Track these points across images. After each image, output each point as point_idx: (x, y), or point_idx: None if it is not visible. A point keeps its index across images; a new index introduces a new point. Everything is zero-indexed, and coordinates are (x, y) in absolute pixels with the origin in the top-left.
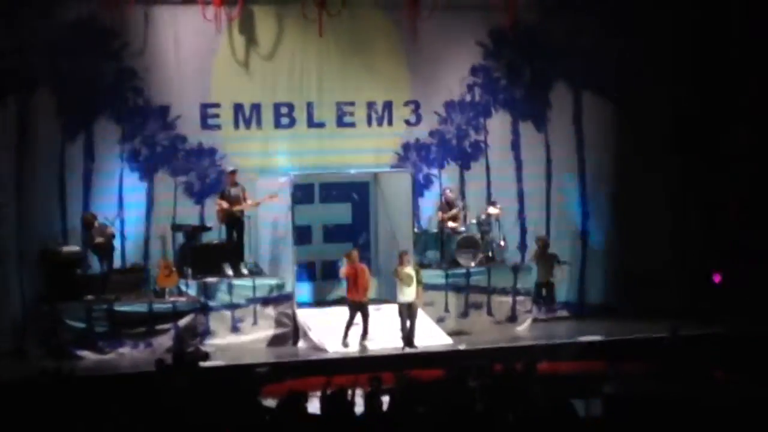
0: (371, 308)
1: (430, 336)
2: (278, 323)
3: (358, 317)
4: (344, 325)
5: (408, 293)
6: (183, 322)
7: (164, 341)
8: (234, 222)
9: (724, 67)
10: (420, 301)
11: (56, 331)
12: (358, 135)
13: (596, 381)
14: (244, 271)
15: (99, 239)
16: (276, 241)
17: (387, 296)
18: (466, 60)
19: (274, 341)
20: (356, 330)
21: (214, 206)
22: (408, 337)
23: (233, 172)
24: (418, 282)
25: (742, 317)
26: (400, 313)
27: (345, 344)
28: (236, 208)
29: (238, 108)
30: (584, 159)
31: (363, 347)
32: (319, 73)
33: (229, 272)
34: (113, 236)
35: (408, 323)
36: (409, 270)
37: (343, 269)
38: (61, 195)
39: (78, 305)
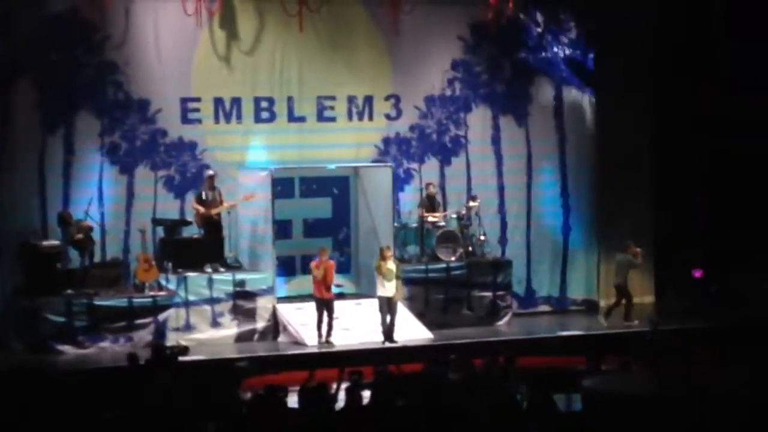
0: (352, 302)
1: (411, 330)
2: (258, 318)
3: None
4: (316, 323)
5: (388, 288)
6: (163, 316)
7: (144, 335)
8: (211, 225)
9: (706, 57)
10: (399, 296)
11: (36, 326)
12: (338, 129)
13: (576, 376)
14: (221, 269)
15: (78, 235)
16: (256, 236)
17: (367, 291)
18: (446, 54)
19: (254, 336)
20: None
21: (192, 206)
22: (388, 332)
23: (211, 177)
24: (397, 277)
25: (723, 311)
26: (380, 308)
27: (321, 342)
28: (213, 211)
29: (218, 102)
30: (565, 153)
31: (330, 344)
32: (299, 68)
33: (209, 270)
34: (91, 229)
35: (388, 318)
36: (391, 265)
37: (314, 263)
38: (41, 188)
39: (58, 299)
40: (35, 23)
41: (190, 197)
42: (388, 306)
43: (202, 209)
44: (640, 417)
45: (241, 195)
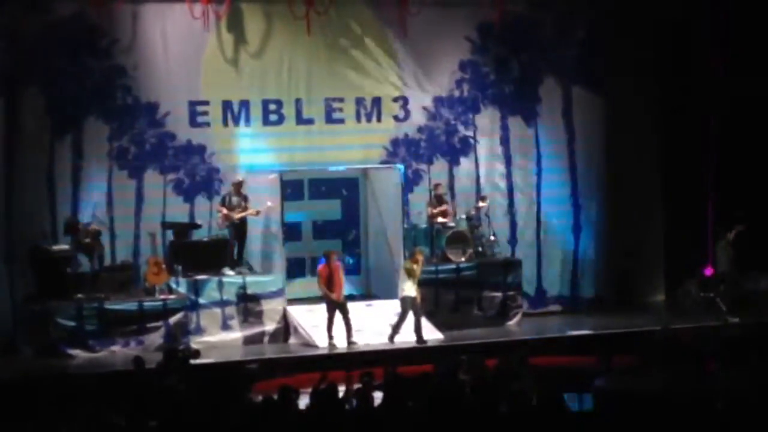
0: (362, 304)
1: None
2: (268, 320)
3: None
4: (326, 325)
5: (412, 288)
6: (173, 319)
7: (155, 339)
8: (233, 227)
9: (709, 60)
10: (418, 297)
11: (47, 330)
12: (347, 131)
13: (587, 375)
14: (243, 271)
15: (86, 239)
16: (266, 238)
17: (377, 293)
18: (454, 55)
19: (264, 338)
20: (340, 326)
21: (203, 206)
22: (417, 331)
23: (239, 182)
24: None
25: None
26: (404, 308)
27: (332, 344)
28: (236, 215)
29: (226, 105)
30: (574, 153)
31: (352, 345)
32: (307, 70)
33: (230, 272)
34: (99, 233)
35: (415, 318)
36: (419, 267)
37: (320, 267)
38: (51, 193)
39: (68, 304)
40: (42, 28)
41: (200, 200)
42: (413, 306)
43: (225, 211)
44: (652, 416)
45: (264, 201)
